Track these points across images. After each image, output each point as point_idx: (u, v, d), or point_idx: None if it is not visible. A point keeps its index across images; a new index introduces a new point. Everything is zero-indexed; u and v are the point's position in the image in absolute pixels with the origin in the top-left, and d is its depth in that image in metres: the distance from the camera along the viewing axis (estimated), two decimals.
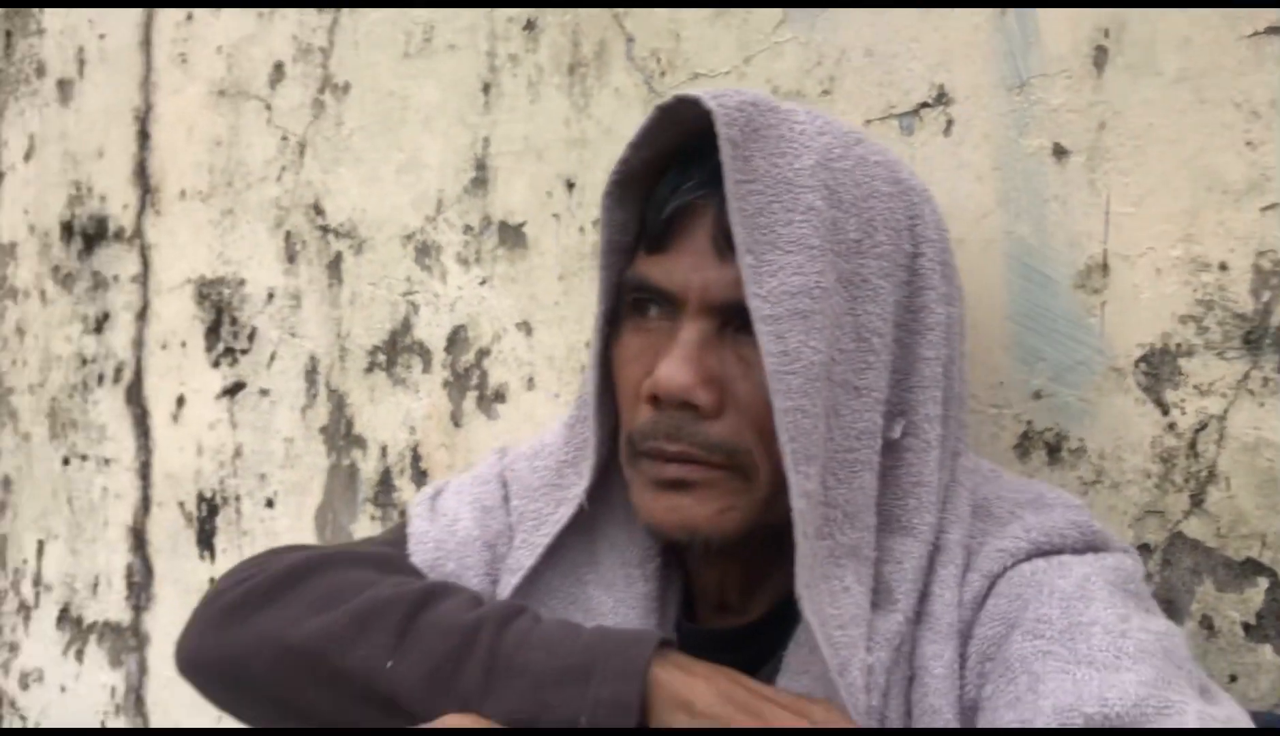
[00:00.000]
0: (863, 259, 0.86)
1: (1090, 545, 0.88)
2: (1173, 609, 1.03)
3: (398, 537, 1.01)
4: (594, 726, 0.77)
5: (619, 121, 1.40)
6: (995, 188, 1.11)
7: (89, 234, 2.19)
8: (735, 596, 0.94)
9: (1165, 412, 1.03)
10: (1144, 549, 1.04)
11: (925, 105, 1.15)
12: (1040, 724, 0.74)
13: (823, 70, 1.22)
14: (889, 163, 0.91)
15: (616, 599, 0.93)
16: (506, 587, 0.93)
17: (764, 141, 0.82)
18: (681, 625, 0.96)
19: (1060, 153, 1.07)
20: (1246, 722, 0.75)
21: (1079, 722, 0.72)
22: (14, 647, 2.42)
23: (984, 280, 1.11)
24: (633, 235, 0.91)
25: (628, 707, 0.77)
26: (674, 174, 0.86)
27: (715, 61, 1.32)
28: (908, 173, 0.93)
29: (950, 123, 1.14)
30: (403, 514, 1.63)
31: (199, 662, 0.92)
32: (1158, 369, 1.03)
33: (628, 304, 0.90)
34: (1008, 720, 0.78)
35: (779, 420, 0.80)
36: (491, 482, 1.03)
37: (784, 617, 0.91)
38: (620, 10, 1.40)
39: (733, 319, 0.84)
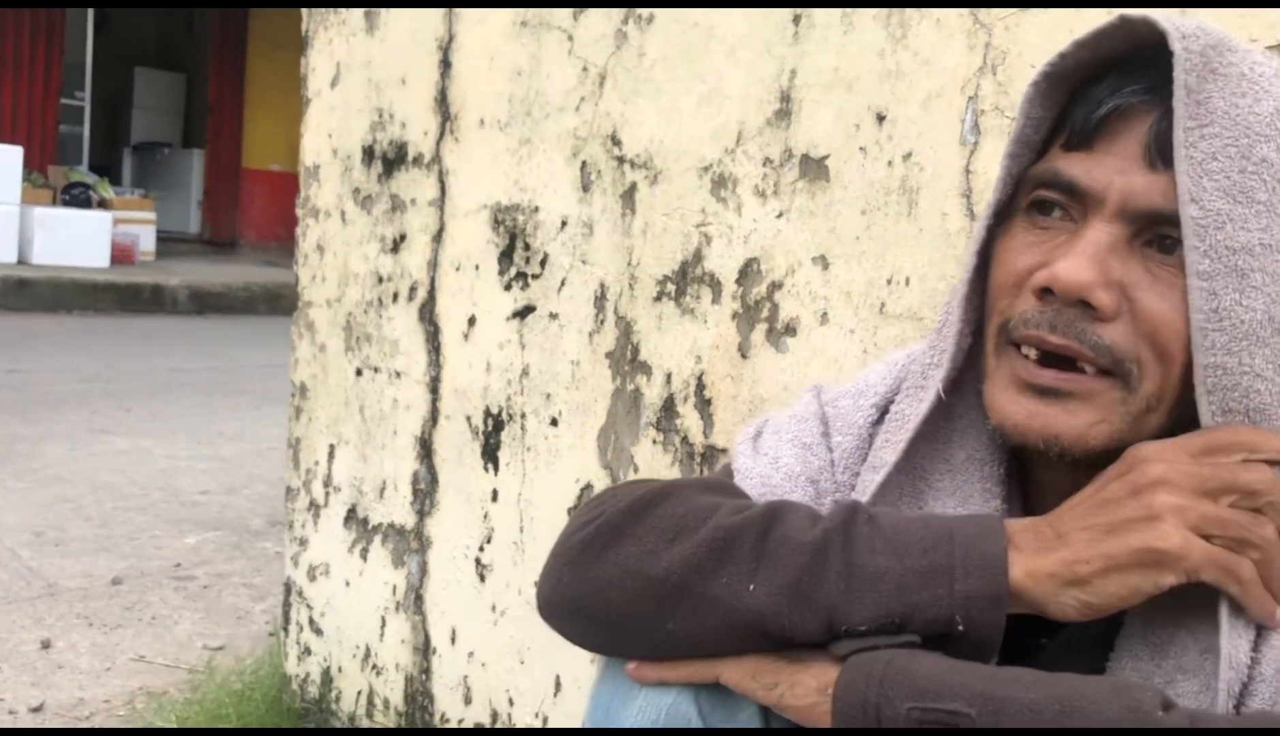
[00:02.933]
0: None
1: None
2: None
3: (724, 473, 1.04)
4: (969, 624, 0.78)
5: (938, 54, 1.37)
6: None
7: (389, 158, 2.31)
8: None
9: None
10: None
11: None
12: None
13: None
14: None
15: (972, 511, 0.93)
16: (869, 485, 0.95)
17: (1223, 80, 0.80)
18: None
19: None
20: None
21: None
22: (304, 542, 2.62)
23: None
24: (1044, 134, 0.90)
25: (999, 599, 0.78)
26: (1115, 76, 0.85)
27: None
28: None
29: None
30: (686, 442, 1.67)
31: (560, 600, 0.94)
32: None
33: (1026, 201, 0.89)
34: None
35: (1198, 373, 0.79)
36: (810, 420, 1.04)
37: None
38: None
39: (1146, 230, 0.83)
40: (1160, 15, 0.82)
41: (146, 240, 11.67)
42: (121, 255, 10.98)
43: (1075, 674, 0.74)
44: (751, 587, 0.84)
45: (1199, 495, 0.78)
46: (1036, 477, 0.95)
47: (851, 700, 0.77)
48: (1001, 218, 0.91)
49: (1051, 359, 0.84)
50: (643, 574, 0.89)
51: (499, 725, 2.06)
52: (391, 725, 2.33)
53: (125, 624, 3.09)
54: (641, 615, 0.89)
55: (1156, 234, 0.83)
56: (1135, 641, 0.82)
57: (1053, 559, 0.79)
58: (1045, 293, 0.83)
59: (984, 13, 1.33)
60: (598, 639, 0.95)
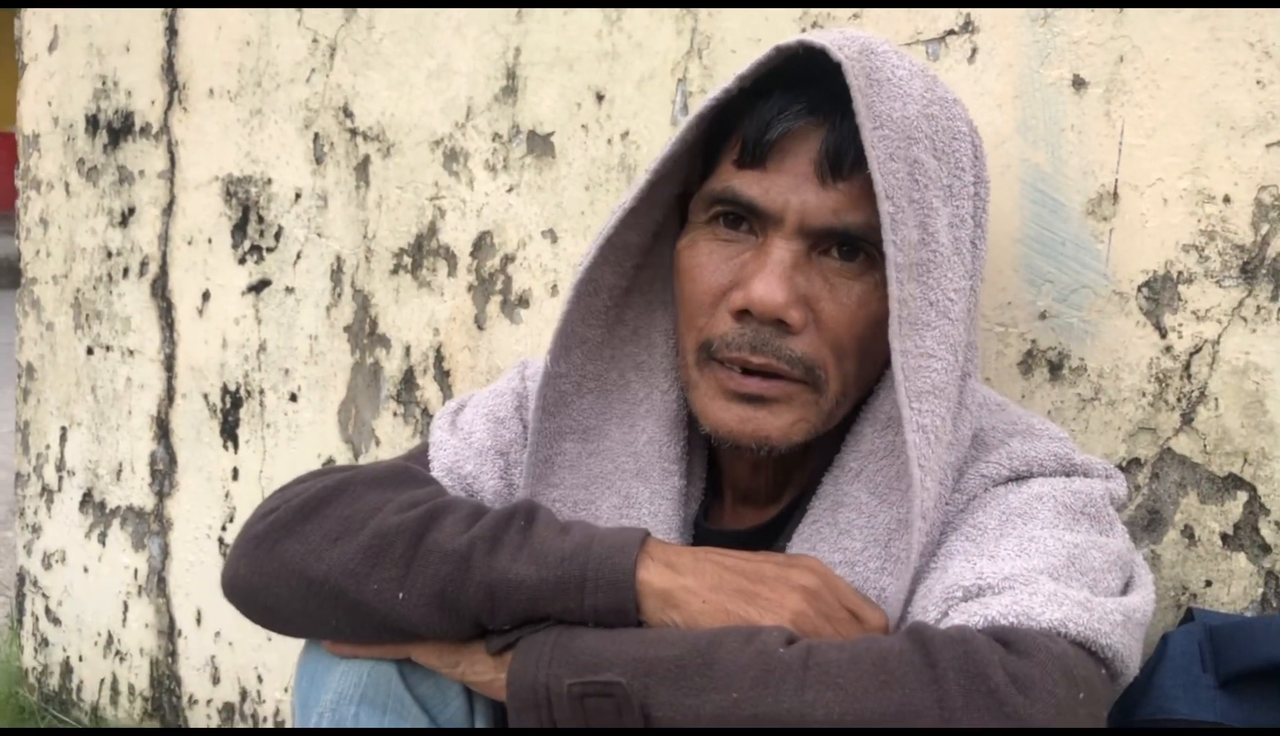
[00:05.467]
0: (957, 202, 0.92)
1: (1064, 471, 0.94)
2: (1158, 519, 1.11)
3: (422, 448, 1.09)
4: (601, 626, 0.85)
5: (650, 36, 1.44)
6: (1014, 115, 1.16)
7: (114, 128, 2.22)
8: (770, 487, 1.01)
9: (1163, 336, 1.09)
10: (1134, 463, 1.11)
11: (951, 32, 1.20)
12: (930, 605, 0.83)
13: None
14: (958, 101, 0.96)
15: (652, 490, 1.00)
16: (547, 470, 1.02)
17: (881, 87, 0.87)
18: (699, 525, 1.03)
19: (1079, 84, 1.12)
20: (1099, 611, 0.80)
21: (958, 596, 0.82)
22: (36, 529, 2.50)
23: (998, 204, 1.17)
24: (697, 153, 0.96)
25: (624, 613, 0.85)
26: (780, 96, 0.90)
27: None
28: (964, 107, 0.98)
29: (975, 51, 1.18)
30: (426, 414, 1.70)
31: (235, 589, 0.99)
32: (1159, 294, 1.10)
33: (707, 215, 0.94)
34: (915, 607, 0.86)
35: (895, 360, 0.86)
36: (506, 395, 1.10)
37: (789, 519, 0.99)
38: None
39: (820, 241, 0.90)
40: (818, 37, 0.88)
41: None
42: None
43: (713, 628, 0.82)
44: (401, 596, 0.89)
45: (821, 609, 0.86)
46: (727, 466, 1.04)
47: (524, 682, 0.83)
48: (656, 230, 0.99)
49: (752, 369, 0.92)
50: (304, 575, 0.93)
51: (248, 702, 2.04)
52: (137, 711, 2.27)
53: None
54: (307, 613, 0.94)
55: (829, 244, 0.91)
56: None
57: (671, 580, 0.86)
58: (743, 314, 0.90)
59: None
60: (275, 626, 0.99)
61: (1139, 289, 1.11)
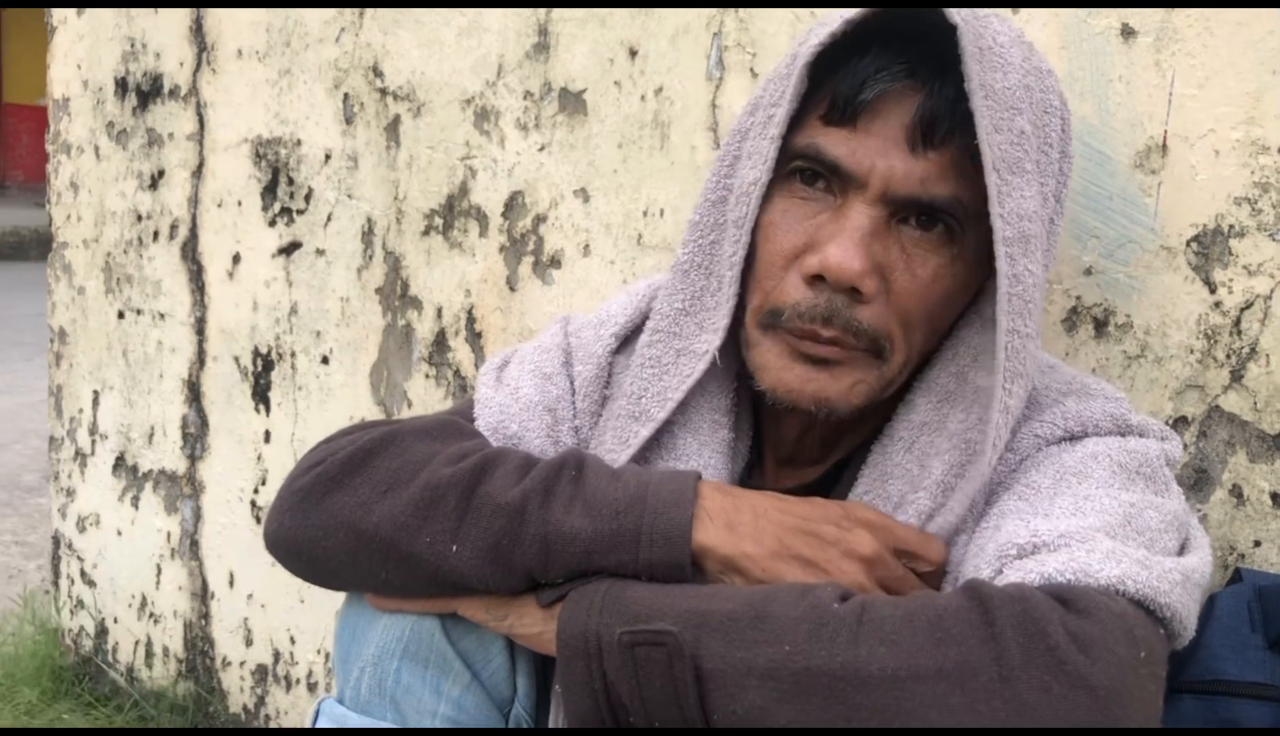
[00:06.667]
0: (1049, 178, 0.90)
1: (1120, 432, 0.92)
2: (1205, 478, 1.08)
3: (467, 404, 1.07)
4: (655, 580, 0.84)
5: None
6: (1061, 67, 1.13)
7: (144, 91, 2.21)
8: (816, 450, 1.00)
9: (1212, 291, 1.07)
10: (1181, 422, 1.09)
11: None
12: (984, 563, 0.81)
13: None
14: (1051, 72, 0.92)
15: (701, 442, 0.99)
16: (637, 438, 0.98)
17: (986, 54, 0.84)
18: (744, 484, 1.02)
19: (1128, 33, 1.09)
20: (1161, 570, 0.78)
21: (1012, 554, 0.80)
22: (70, 493, 2.52)
23: None
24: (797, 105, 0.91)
25: (680, 568, 0.84)
26: (878, 53, 0.86)
27: None
28: (1057, 79, 0.95)
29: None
30: (459, 375, 1.69)
31: (279, 544, 0.97)
32: (1208, 249, 1.07)
33: (785, 169, 0.91)
34: (967, 565, 0.85)
35: (1000, 339, 0.84)
36: (553, 351, 1.07)
37: (834, 482, 0.98)
38: None
39: (901, 210, 0.88)
40: None
41: None
42: None
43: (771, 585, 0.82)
44: (455, 549, 0.88)
45: (880, 577, 0.85)
46: (780, 423, 1.01)
47: (574, 631, 0.82)
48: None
49: (821, 339, 0.89)
50: (354, 528, 0.91)
51: (281, 664, 2.05)
52: (171, 673, 2.29)
53: None
54: (355, 565, 0.93)
55: (910, 213, 0.88)
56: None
57: (732, 546, 0.84)
58: (816, 279, 0.88)
59: None
60: (321, 579, 0.98)
61: (1188, 243, 1.08)
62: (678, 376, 0.97)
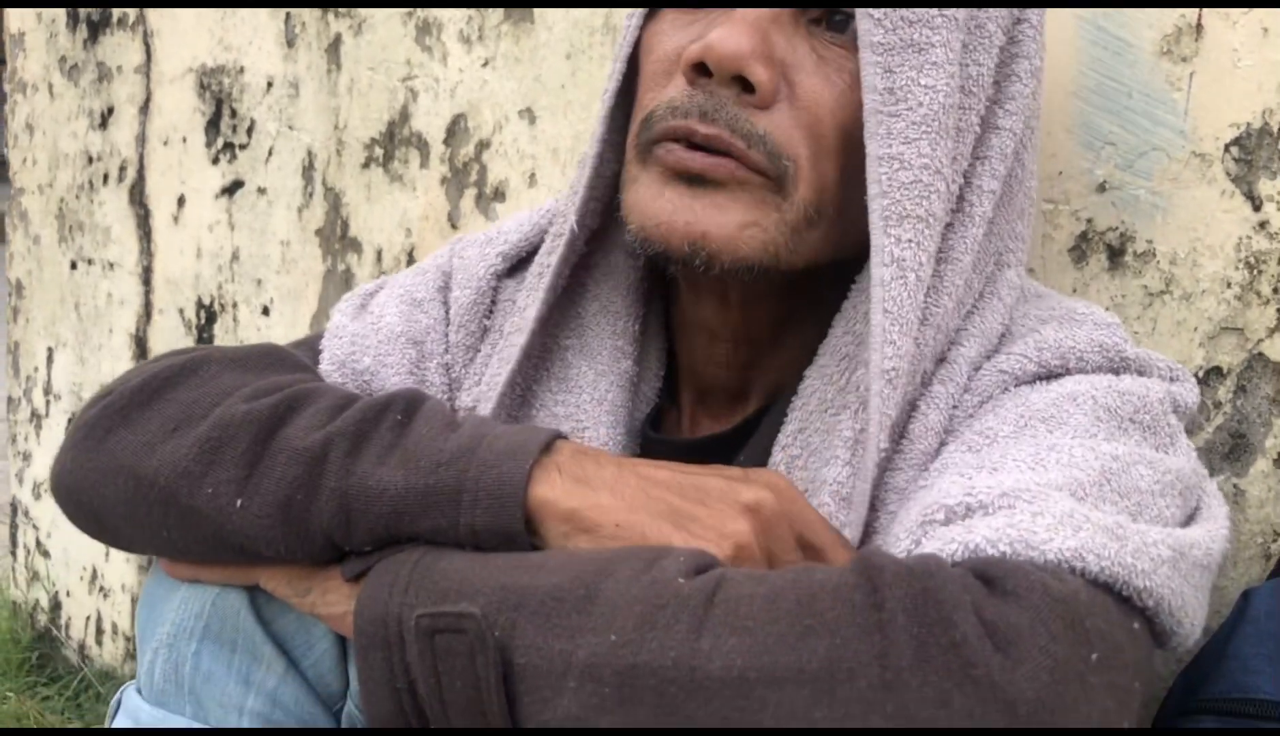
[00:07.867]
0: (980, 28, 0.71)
1: (1111, 367, 0.71)
2: (1243, 444, 0.86)
3: (315, 336, 0.88)
4: (483, 550, 0.63)
5: None
6: None
7: (93, 20, 2.05)
8: (733, 374, 0.79)
9: (1257, 208, 0.85)
10: (1215, 373, 0.87)
11: None
12: (903, 532, 0.61)
13: None
14: None
15: (598, 372, 0.79)
16: (512, 351, 0.79)
17: None
18: (646, 435, 0.81)
19: None
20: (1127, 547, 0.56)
21: (939, 518, 0.59)
22: (27, 456, 2.37)
23: (1048, 51, 0.93)
24: None
25: (510, 535, 0.63)
26: None
27: None
28: None
29: None
30: None
31: (60, 487, 0.78)
32: (1252, 154, 0.85)
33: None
34: (885, 537, 0.64)
35: (871, 169, 0.66)
36: (430, 273, 0.88)
37: (757, 427, 0.77)
38: None
39: (815, 8, 0.69)
40: None
41: None
42: None
43: (612, 550, 0.61)
44: (240, 503, 0.68)
45: (770, 540, 0.64)
46: (685, 320, 0.81)
47: (373, 613, 0.62)
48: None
49: (698, 143, 0.69)
50: (133, 472, 0.72)
51: None
52: (120, 651, 2.13)
53: None
54: (134, 517, 0.73)
55: (825, 11, 0.69)
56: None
57: (579, 497, 0.64)
58: (697, 71, 0.68)
59: None
60: (105, 537, 0.78)
61: (1226, 148, 0.86)
62: (551, 269, 0.78)
